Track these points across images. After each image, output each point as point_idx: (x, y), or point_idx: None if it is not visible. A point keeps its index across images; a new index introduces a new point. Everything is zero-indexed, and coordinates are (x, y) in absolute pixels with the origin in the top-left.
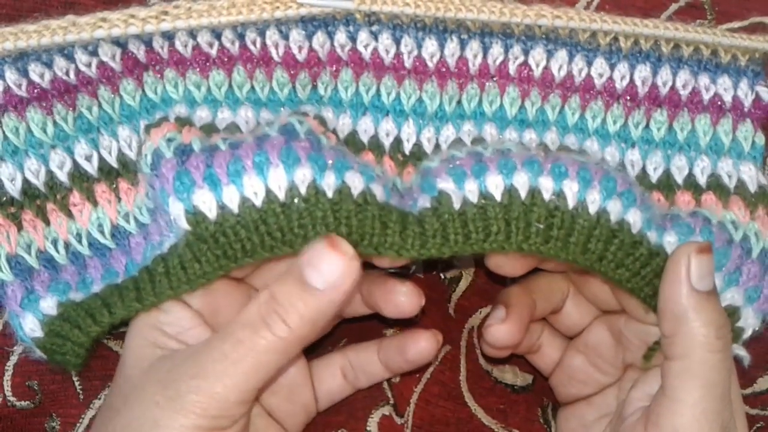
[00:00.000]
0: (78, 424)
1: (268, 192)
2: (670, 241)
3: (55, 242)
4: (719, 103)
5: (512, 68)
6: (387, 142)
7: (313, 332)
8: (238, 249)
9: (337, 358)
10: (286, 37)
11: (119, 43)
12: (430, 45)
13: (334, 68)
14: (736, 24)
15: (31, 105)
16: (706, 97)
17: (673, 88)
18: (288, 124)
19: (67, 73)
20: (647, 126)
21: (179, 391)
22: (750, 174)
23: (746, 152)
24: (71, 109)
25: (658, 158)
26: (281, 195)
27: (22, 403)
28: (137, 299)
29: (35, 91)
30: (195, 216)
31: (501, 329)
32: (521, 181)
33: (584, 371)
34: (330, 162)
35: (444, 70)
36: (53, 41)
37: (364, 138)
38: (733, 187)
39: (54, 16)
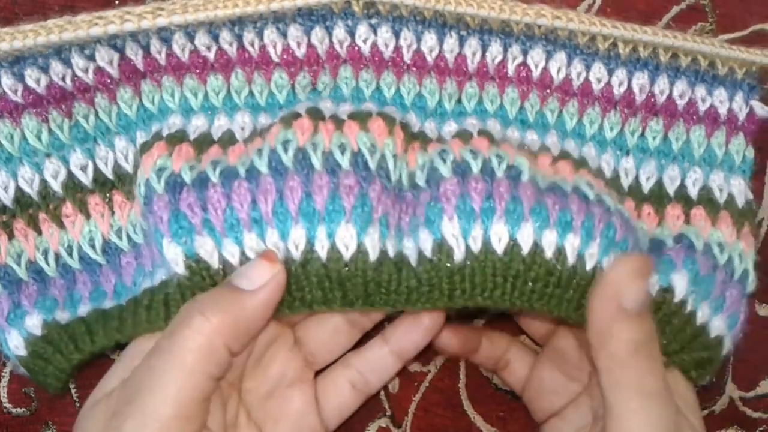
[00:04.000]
0: None
1: (287, 251)
2: (651, 282)
3: (45, 253)
4: (714, 115)
5: (511, 68)
6: (397, 118)
7: (237, 337)
8: None
9: (341, 370)
10: (284, 34)
11: (117, 47)
12: (429, 39)
13: (333, 65)
14: (737, 34)
15: (26, 111)
16: (702, 108)
17: (669, 97)
18: (276, 157)
19: (63, 79)
20: (643, 134)
21: (118, 422)
22: (739, 188)
23: (737, 166)
24: (67, 117)
25: (651, 168)
26: (279, 255)
27: (18, 410)
28: (118, 330)
29: (31, 97)
30: (197, 263)
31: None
32: (525, 235)
33: (553, 379)
34: (321, 214)
35: (443, 65)
36: (49, 40)
37: (372, 112)
38: (723, 202)
39: (52, 18)
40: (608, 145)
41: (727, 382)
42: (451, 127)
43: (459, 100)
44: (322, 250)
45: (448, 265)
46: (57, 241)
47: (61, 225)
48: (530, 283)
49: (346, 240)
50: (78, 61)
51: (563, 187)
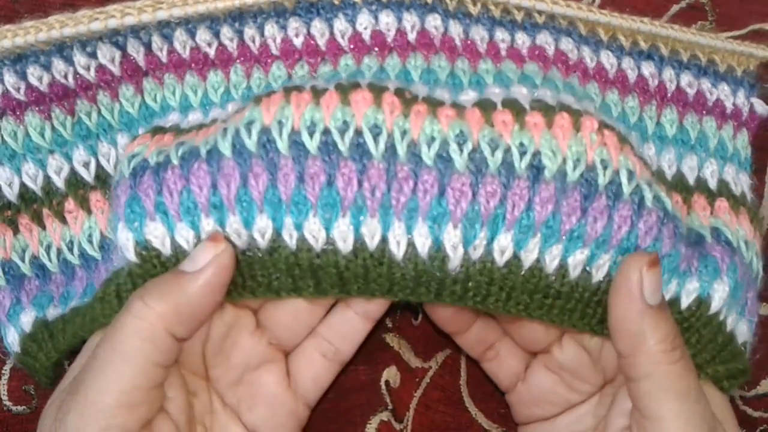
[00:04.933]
0: None
1: (251, 240)
2: (689, 289)
3: (48, 248)
4: (722, 108)
5: (524, 50)
6: (392, 86)
7: (180, 321)
8: None
9: (309, 341)
10: (284, 28)
11: (118, 45)
12: (433, 19)
13: (334, 55)
14: (735, 32)
15: (29, 109)
16: (711, 99)
17: (678, 86)
18: (239, 140)
19: (65, 77)
20: (659, 122)
21: (62, 415)
22: (747, 185)
23: (743, 161)
24: (70, 114)
25: (671, 156)
26: (240, 243)
27: (18, 407)
28: (81, 326)
29: (33, 94)
30: (146, 250)
31: None
32: (530, 251)
33: (555, 392)
34: (287, 204)
35: (452, 45)
36: (50, 36)
37: (362, 83)
38: (739, 196)
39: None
40: (631, 129)
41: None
42: (469, 96)
43: (476, 72)
44: (290, 239)
45: (440, 272)
46: (59, 236)
47: (63, 220)
48: (527, 295)
49: (315, 232)
50: (80, 58)
51: (598, 180)
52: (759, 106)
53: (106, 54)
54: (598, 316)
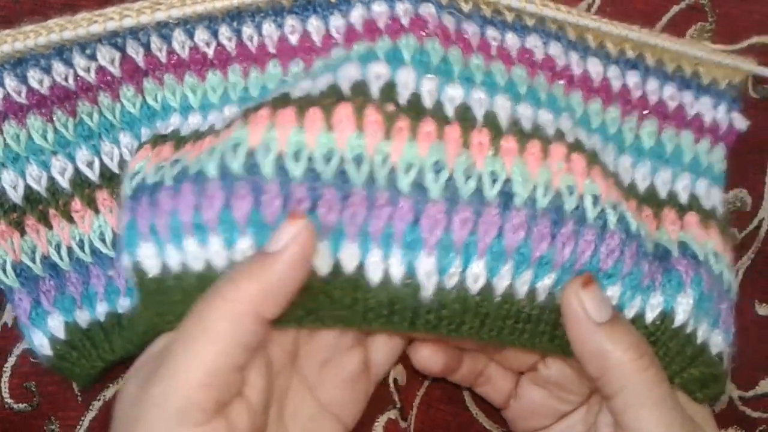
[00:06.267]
0: (78, 426)
1: (209, 261)
2: (653, 303)
3: (58, 247)
4: (700, 122)
5: (513, 52)
6: (376, 87)
7: (267, 299)
8: (172, 312)
9: None
10: (281, 26)
11: (117, 46)
12: (426, 8)
13: (327, 52)
14: (735, 46)
15: (31, 112)
16: (690, 113)
17: (661, 99)
18: (224, 162)
19: (66, 79)
20: (638, 134)
21: (148, 386)
22: (718, 200)
23: (716, 176)
24: (71, 115)
25: (646, 169)
26: (222, 265)
27: (20, 405)
28: (129, 339)
29: (35, 97)
30: (141, 272)
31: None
32: (503, 278)
33: (546, 405)
34: (271, 225)
35: (446, 33)
36: (50, 40)
37: (345, 86)
38: (709, 210)
39: (52, 18)
40: (609, 140)
41: (727, 382)
42: (455, 92)
43: (466, 66)
44: None
45: (413, 300)
46: (68, 235)
47: (70, 220)
48: (500, 321)
49: None
50: (79, 61)
51: (564, 206)
52: (738, 121)
53: (106, 55)
54: (567, 338)
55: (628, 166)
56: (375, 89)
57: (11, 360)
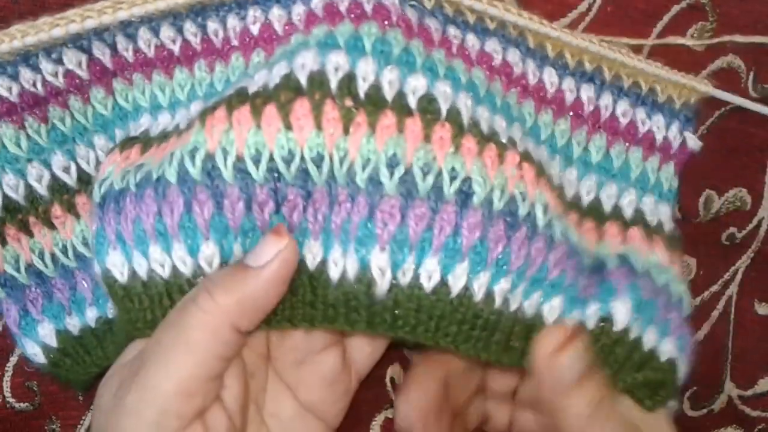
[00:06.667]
0: (79, 426)
1: (174, 267)
2: (590, 313)
3: (41, 254)
4: (651, 140)
5: (473, 53)
6: (335, 79)
7: (244, 312)
8: (140, 319)
9: None
10: (243, 18)
11: (83, 48)
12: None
13: (287, 38)
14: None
15: (2, 120)
16: (642, 130)
17: (613, 114)
18: (183, 168)
19: (34, 85)
20: (587, 147)
21: (122, 394)
22: (666, 215)
23: (665, 192)
24: (43, 121)
25: (592, 182)
26: (187, 271)
27: (21, 404)
28: (122, 344)
29: (4, 105)
30: (110, 280)
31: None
32: (458, 277)
33: (543, 426)
34: (235, 231)
35: (409, 25)
36: (12, 47)
37: (302, 77)
38: (654, 226)
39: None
40: (557, 152)
41: (726, 381)
42: (418, 82)
43: (429, 57)
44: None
45: (368, 295)
46: (50, 242)
47: (51, 226)
48: (455, 326)
49: None
50: (46, 66)
51: (518, 212)
52: (691, 140)
53: (73, 59)
54: (520, 349)
55: (573, 178)
56: (333, 82)
57: (13, 359)
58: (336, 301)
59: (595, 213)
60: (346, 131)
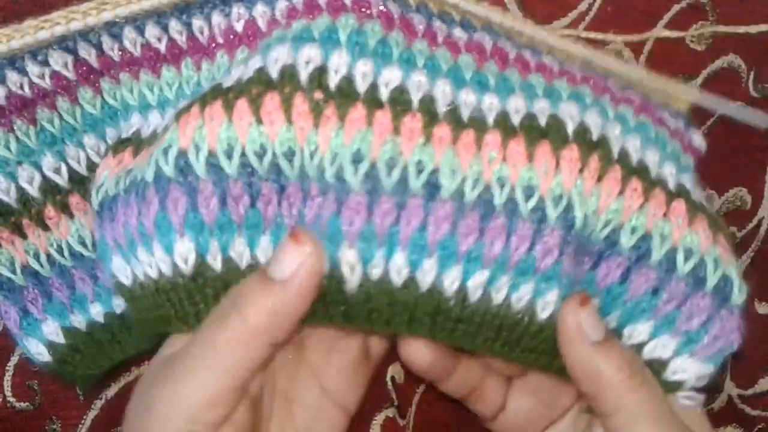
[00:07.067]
0: (80, 425)
1: (159, 267)
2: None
3: (36, 255)
4: (667, 126)
5: (461, 43)
6: (305, 72)
7: (276, 327)
8: (153, 319)
9: None
10: (228, 15)
11: (69, 49)
12: None
13: (268, 34)
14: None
15: None
16: (657, 115)
17: (627, 95)
18: (158, 168)
19: (21, 87)
20: (617, 111)
21: (151, 401)
22: (703, 197)
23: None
24: (32, 123)
25: (637, 142)
26: (169, 271)
27: (22, 404)
28: (141, 339)
29: None
30: (116, 283)
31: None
32: (426, 272)
33: (536, 413)
34: (211, 227)
35: (390, 17)
36: None
37: (273, 70)
38: (697, 203)
39: None
40: (589, 107)
41: (726, 380)
42: (393, 74)
43: (409, 48)
44: (215, 262)
45: (339, 291)
46: (45, 243)
47: (45, 227)
48: (429, 317)
49: (241, 251)
50: (32, 68)
51: (494, 201)
52: (697, 139)
53: (59, 60)
54: (501, 340)
55: (618, 133)
56: (304, 75)
57: (14, 359)
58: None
59: (643, 175)
60: (316, 125)
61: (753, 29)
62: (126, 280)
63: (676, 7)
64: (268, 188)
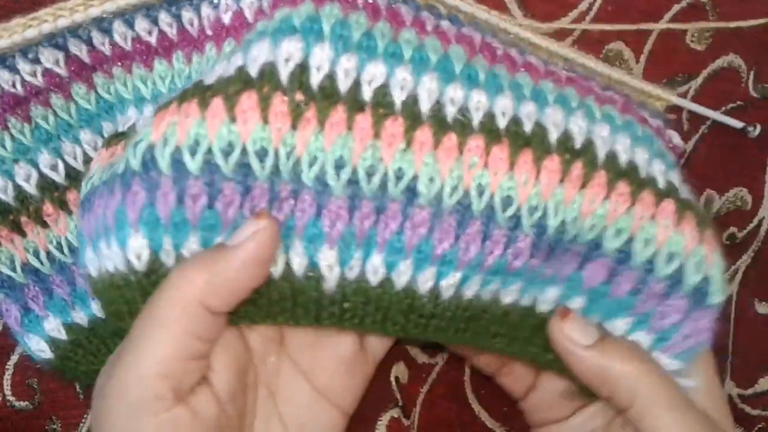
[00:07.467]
0: (81, 424)
1: (114, 263)
2: (548, 297)
3: (36, 253)
4: (649, 125)
5: (451, 34)
6: (285, 71)
7: (217, 293)
8: (111, 313)
9: None
10: (216, 7)
11: (60, 46)
12: None
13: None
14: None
15: None
16: (639, 114)
17: (609, 94)
18: (126, 162)
19: (14, 86)
20: (603, 111)
21: (106, 380)
22: (691, 196)
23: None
24: (26, 121)
25: (626, 141)
26: (123, 266)
27: (21, 403)
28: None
29: None
30: (87, 275)
31: None
32: (402, 273)
33: (560, 391)
34: (166, 224)
35: (376, 8)
36: None
37: (253, 69)
38: (685, 200)
39: None
40: (576, 109)
41: (726, 380)
42: (377, 70)
43: (395, 40)
44: (168, 259)
45: (316, 292)
46: (44, 240)
47: (44, 225)
48: (402, 316)
49: (194, 251)
50: (24, 66)
51: (472, 206)
52: (676, 138)
53: (50, 57)
54: (469, 333)
55: (606, 134)
56: (284, 74)
57: (14, 358)
58: (281, 297)
59: (632, 176)
60: (294, 126)
61: (753, 25)
62: (94, 273)
63: (676, 7)
64: (231, 189)
